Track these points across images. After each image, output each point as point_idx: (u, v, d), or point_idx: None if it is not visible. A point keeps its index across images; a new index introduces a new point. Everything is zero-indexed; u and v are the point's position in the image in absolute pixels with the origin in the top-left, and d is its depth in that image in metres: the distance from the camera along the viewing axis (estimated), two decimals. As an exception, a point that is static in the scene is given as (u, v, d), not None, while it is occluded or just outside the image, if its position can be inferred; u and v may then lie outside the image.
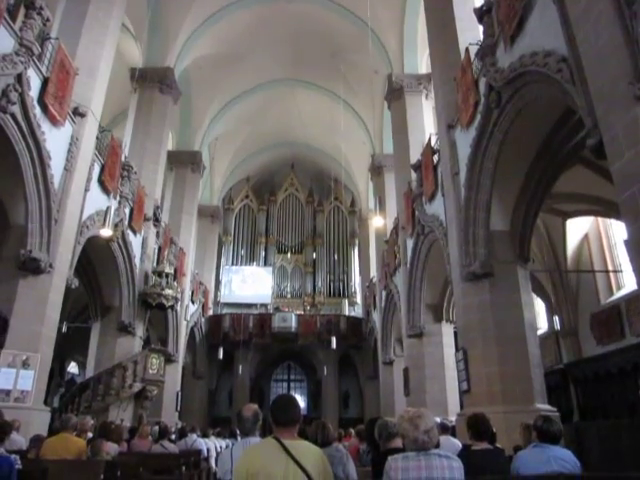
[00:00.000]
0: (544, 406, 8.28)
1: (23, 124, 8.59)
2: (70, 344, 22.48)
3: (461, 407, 10.70)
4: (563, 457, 3.71)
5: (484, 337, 8.93)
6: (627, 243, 4.80)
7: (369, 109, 20.91)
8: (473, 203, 9.34)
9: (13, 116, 8.31)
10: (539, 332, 12.10)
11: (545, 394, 8.72)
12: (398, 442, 3.58)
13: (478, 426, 3.87)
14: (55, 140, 9.66)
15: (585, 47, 5.23)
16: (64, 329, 16.66)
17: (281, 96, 24.50)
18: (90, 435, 7.45)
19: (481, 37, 8.91)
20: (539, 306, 17.96)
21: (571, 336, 16.63)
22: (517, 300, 9.00)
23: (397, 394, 17.15)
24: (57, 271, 9.84)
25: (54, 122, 9.57)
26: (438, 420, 6.08)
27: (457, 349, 10.45)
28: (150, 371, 13.96)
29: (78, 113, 10.60)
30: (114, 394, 13.06)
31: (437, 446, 2.89)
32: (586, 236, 16.30)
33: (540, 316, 17.88)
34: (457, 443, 5.69)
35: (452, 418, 10.08)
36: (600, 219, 15.55)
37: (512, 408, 7.94)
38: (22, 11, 8.44)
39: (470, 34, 10.33)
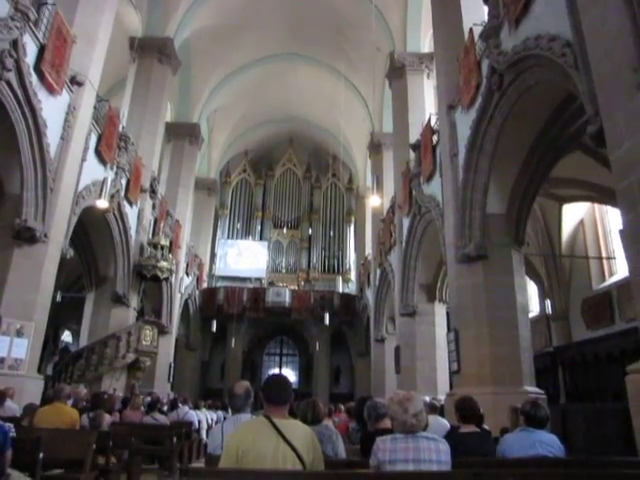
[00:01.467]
0: (532, 388, 8.40)
1: (19, 91, 8.45)
2: (64, 313, 22.55)
3: (451, 387, 10.83)
4: (549, 442, 3.78)
5: (476, 319, 8.99)
6: (622, 232, 4.81)
7: (370, 86, 20.69)
8: (470, 185, 9.33)
9: (8, 83, 8.18)
10: (530, 315, 12.21)
11: (534, 376, 8.83)
12: (387, 423, 3.62)
13: (466, 409, 3.93)
14: (52, 109, 9.53)
15: (590, 33, 5.17)
16: (58, 298, 16.67)
17: (281, 70, 24.20)
18: (84, 404, 7.52)
19: (486, 18, 8.79)
20: (531, 289, 18.08)
21: (562, 320, 16.79)
22: (510, 283, 9.04)
23: (388, 371, 17.33)
24: (52, 241, 9.81)
25: (51, 90, 9.44)
26: (427, 399, 6.16)
27: (449, 329, 10.54)
28: (143, 342, 14.06)
29: (75, 82, 10.43)
30: (107, 364, 13.15)
31: (425, 427, 2.94)
32: (581, 222, 16.34)
33: (532, 299, 18.02)
34: (445, 423, 5.77)
35: (441, 397, 10.21)
36: (596, 205, 15.58)
37: (501, 389, 8.04)
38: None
39: (474, 14, 10.18)
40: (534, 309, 18.20)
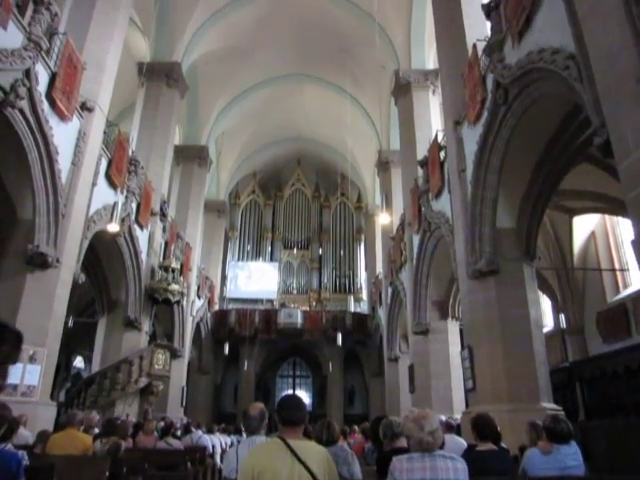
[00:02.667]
0: (550, 405, 8.27)
1: (31, 119, 8.61)
2: (76, 338, 22.61)
3: (466, 405, 10.70)
4: (573, 454, 3.73)
5: (490, 335, 8.91)
6: (634, 243, 4.77)
7: (376, 104, 20.84)
8: (479, 200, 9.32)
9: (21, 111, 8.33)
10: (545, 330, 12.07)
11: (551, 392, 8.70)
12: (403, 442, 3.59)
13: (483, 427, 3.86)
14: (63, 135, 9.69)
15: (593, 44, 5.19)
16: (70, 323, 16.71)
17: (288, 91, 24.48)
18: (97, 431, 7.49)
19: (489, 33, 8.86)
20: (545, 304, 17.91)
21: (577, 334, 16.61)
22: (523, 298, 8.97)
23: (402, 391, 17.16)
24: (64, 266, 9.88)
25: (62, 117, 9.60)
26: (443, 418, 6.08)
27: (463, 346, 10.44)
28: (156, 366, 14.02)
29: (86, 108, 10.60)
30: (120, 389, 13.12)
31: (442, 446, 2.90)
32: (593, 234, 16.24)
33: (546, 314, 17.84)
34: (462, 442, 5.69)
35: (457, 416, 10.09)
36: (607, 217, 15.49)
37: (517, 406, 7.93)
38: (31, 6, 8.45)
39: (478, 30, 10.24)
40: (548, 324, 18.00)
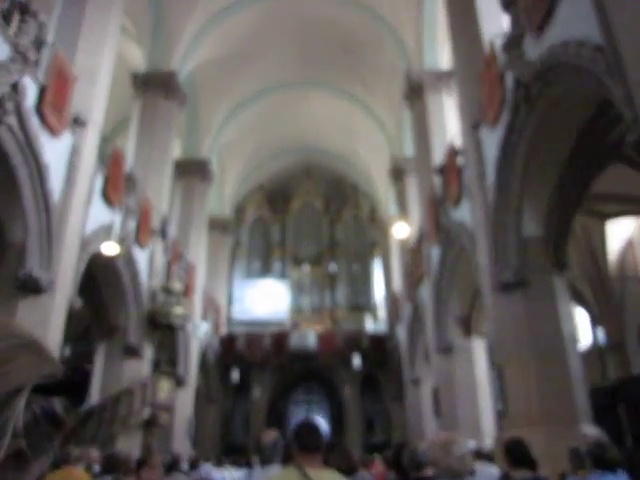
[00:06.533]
0: (590, 428, 8.07)
1: (20, 135, 8.65)
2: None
3: (497, 430, 10.53)
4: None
5: (519, 352, 8.80)
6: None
7: (387, 110, 20.92)
8: (502, 207, 9.25)
9: (9, 127, 8.38)
10: (581, 346, 11.89)
11: (590, 415, 8.52)
12: (428, 470, 3.49)
13: (516, 451, 3.74)
14: (54, 151, 9.73)
15: (623, 34, 5.15)
16: (67, 352, 16.75)
17: (294, 99, 24.57)
18: (97, 468, 7.42)
19: (505, 28, 8.85)
20: (581, 317, 17.65)
21: (617, 350, 16.30)
22: (554, 311, 8.86)
23: (425, 416, 16.95)
24: (59, 290, 9.87)
25: (53, 132, 9.64)
26: (473, 445, 5.96)
27: (490, 366, 10.30)
28: (160, 395, 13.95)
29: (78, 122, 10.65)
30: (121, 422, 13.04)
31: (472, 474, 2.81)
32: (630, 239, 16.03)
33: (582, 328, 17.57)
34: (495, 471, 5.55)
35: (487, 441, 9.92)
36: (644, 220, 15.31)
37: (554, 430, 7.77)
38: (17, 16, 8.54)
39: (494, 25, 10.28)
40: (585, 339, 17.70)
